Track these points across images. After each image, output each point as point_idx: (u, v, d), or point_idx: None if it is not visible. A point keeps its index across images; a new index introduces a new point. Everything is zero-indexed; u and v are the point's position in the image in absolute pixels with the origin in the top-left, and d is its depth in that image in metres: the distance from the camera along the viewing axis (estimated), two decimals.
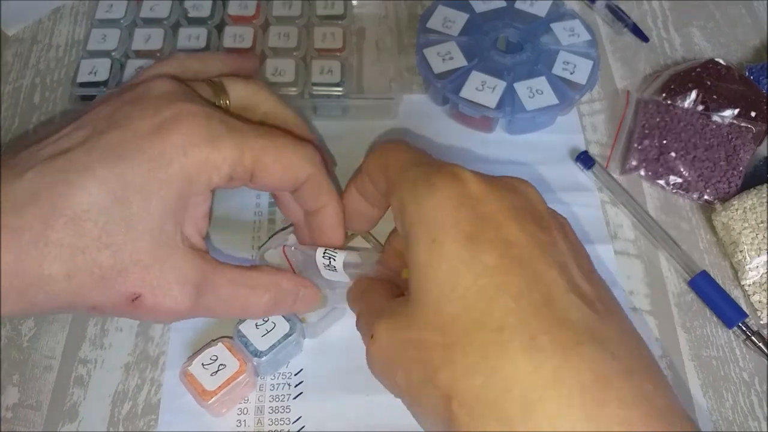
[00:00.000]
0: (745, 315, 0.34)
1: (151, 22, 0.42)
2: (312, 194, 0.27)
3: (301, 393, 0.31)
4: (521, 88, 0.39)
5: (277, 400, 0.31)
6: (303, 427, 0.30)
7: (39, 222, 0.21)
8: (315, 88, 0.39)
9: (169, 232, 0.23)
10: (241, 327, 0.30)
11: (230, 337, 0.30)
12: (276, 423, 0.31)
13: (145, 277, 0.23)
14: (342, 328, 0.32)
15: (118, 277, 0.22)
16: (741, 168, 0.38)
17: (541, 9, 0.43)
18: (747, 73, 0.43)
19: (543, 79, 0.40)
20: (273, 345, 0.30)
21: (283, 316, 0.30)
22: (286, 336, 0.30)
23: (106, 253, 0.22)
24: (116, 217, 0.22)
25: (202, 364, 0.29)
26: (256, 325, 0.30)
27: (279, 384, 0.32)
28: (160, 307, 0.23)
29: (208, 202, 0.25)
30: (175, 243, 0.23)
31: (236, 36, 0.41)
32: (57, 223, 0.21)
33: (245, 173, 0.25)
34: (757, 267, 0.35)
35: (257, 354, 0.29)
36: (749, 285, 0.35)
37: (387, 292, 0.26)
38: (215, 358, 0.29)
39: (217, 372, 0.29)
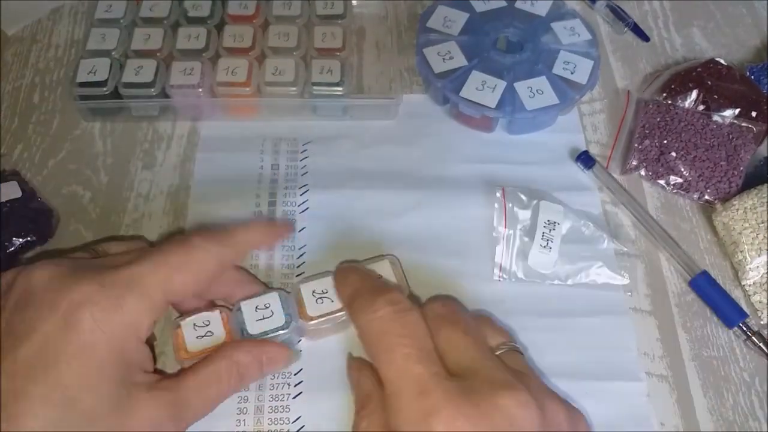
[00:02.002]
0: (746, 315, 0.34)
1: (150, 21, 0.42)
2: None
3: (300, 393, 0.31)
4: (521, 87, 0.39)
5: (276, 399, 0.31)
6: (302, 426, 0.30)
7: None
8: (315, 87, 0.39)
9: (124, 401, 0.24)
10: (242, 304, 0.30)
11: (230, 309, 0.30)
12: (275, 423, 0.31)
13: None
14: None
15: None
16: (741, 168, 0.38)
17: (541, 8, 0.43)
18: (748, 73, 0.43)
19: (543, 78, 0.40)
20: (264, 332, 0.30)
21: (282, 309, 0.30)
22: (278, 329, 0.30)
23: None
24: (73, 420, 0.22)
25: (194, 324, 0.29)
26: (256, 308, 0.30)
27: (278, 384, 0.32)
28: None
29: (143, 345, 0.26)
30: (135, 403, 0.24)
31: (236, 35, 0.41)
32: None
33: (165, 307, 0.27)
34: (758, 267, 0.35)
35: (245, 335, 0.29)
36: (750, 285, 0.35)
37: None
38: (207, 323, 0.29)
39: (203, 337, 0.29)
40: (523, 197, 0.37)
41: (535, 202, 0.36)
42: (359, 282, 0.29)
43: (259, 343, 0.29)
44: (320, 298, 0.30)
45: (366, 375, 0.27)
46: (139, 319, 0.25)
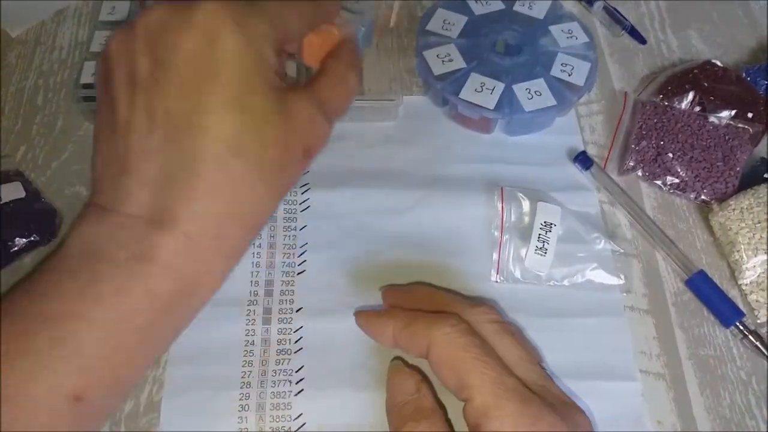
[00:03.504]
0: (742, 314, 0.34)
1: None
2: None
3: (302, 390, 0.32)
4: (520, 89, 0.39)
5: (278, 396, 0.31)
6: (304, 424, 0.31)
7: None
8: None
9: (282, 101, 0.23)
10: None
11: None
12: (277, 420, 0.31)
13: (300, 132, 0.24)
14: (342, 327, 0.33)
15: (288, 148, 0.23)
16: (738, 168, 0.38)
17: (539, 11, 0.44)
18: (744, 75, 0.43)
19: (541, 80, 0.40)
20: None
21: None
22: None
23: (271, 152, 0.23)
24: (254, 123, 0.22)
25: None
26: None
27: (280, 381, 0.32)
28: (321, 141, 0.25)
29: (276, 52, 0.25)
30: (290, 102, 0.24)
31: None
32: None
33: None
34: (754, 266, 0.35)
35: None
36: (746, 284, 0.35)
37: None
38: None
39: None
40: (522, 197, 0.37)
41: (532, 203, 0.37)
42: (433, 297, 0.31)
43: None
44: None
45: (425, 388, 0.29)
46: (268, 29, 0.24)
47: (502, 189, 0.37)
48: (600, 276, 0.36)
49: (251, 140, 0.22)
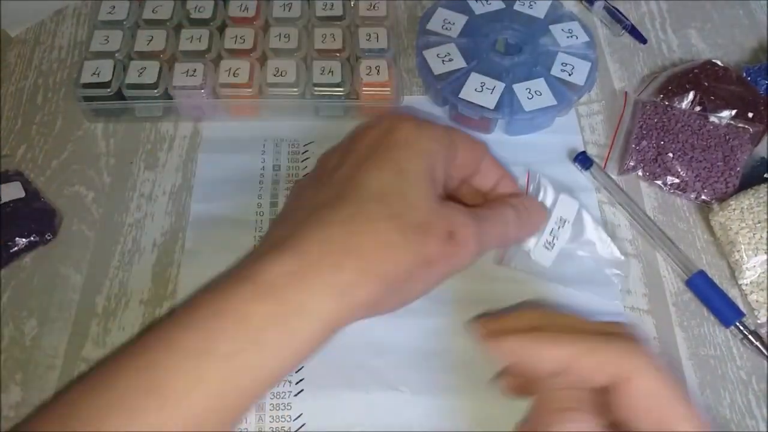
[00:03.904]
0: (743, 314, 0.34)
1: (153, 23, 0.42)
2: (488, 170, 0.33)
3: (302, 390, 0.32)
4: (520, 89, 0.39)
5: (278, 397, 0.31)
6: (304, 424, 0.31)
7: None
8: (316, 88, 0.39)
9: (438, 197, 0.27)
10: None
11: None
12: (277, 420, 0.31)
13: (449, 221, 0.27)
14: None
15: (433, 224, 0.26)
16: (738, 168, 0.38)
17: (539, 11, 0.44)
18: (744, 75, 0.43)
19: (542, 80, 0.40)
20: None
21: None
22: None
23: (415, 214, 0.26)
24: (404, 184, 0.26)
25: None
26: None
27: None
28: (468, 239, 0.27)
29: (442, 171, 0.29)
30: (447, 206, 0.28)
31: (237, 37, 0.41)
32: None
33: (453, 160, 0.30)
34: (755, 266, 0.35)
35: None
36: (746, 284, 0.35)
37: None
38: None
39: None
40: (545, 185, 0.36)
41: (555, 194, 0.36)
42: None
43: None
44: None
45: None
46: (439, 152, 0.28)
47: (528, 172, 0.37)
48: (600, 281, 0.35)
49: (400, 201, 0.26)
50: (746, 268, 0.35)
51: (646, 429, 0.23)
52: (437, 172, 0.28)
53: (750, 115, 0.40)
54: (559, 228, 0.35)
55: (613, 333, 0.26)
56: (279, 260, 0.24)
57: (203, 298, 0.23)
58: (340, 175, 0.27)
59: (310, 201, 0.27)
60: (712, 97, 0.40)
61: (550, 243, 0.34)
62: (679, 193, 0.39)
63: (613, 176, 0.39)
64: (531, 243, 0.35)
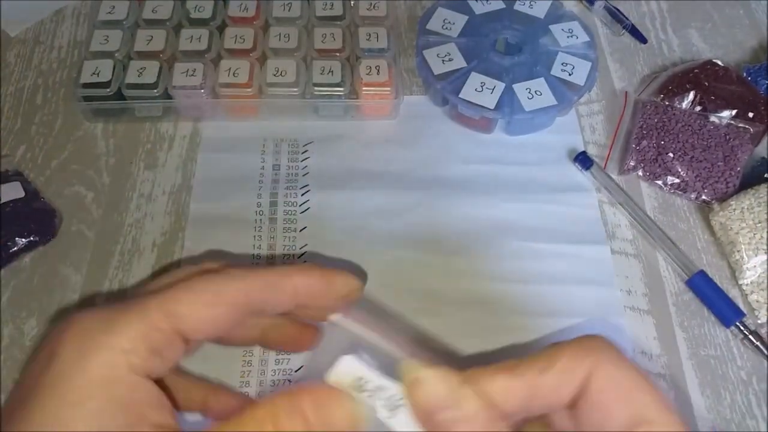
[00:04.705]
0: (743, 314, 0.34)
1: (153, 23, 0.42)
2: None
3: None
4: (520, 89, 0.39)
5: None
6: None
7: None
8: (316, 88, 0.39)
9: None
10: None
11: None
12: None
13: None
14: None
15: None
16: (738, 168, 0.38)
17: (540, 10, 0.44)
18: (745, 74, 0.43)
19: (542, 80, 0.40)
20: None
21: None
22: None
23: None
24: None
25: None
26: None
27: (280, 380, 0.32)
28: None
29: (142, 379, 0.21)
30: None
31: (237, 37, 0.41)
32: None
33: (170, 337, 0.22)
34: (755, 266, 0.35)
35: None
36: (747, 284, 0.35)
37: None
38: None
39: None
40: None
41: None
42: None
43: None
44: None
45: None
46: (132, 344, 0.21)
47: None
48: (601, 275, 0.35)
49: None
50: (746, 268, 0.35)
51: (616, 424, 0.20)
52: (124, 390, 0.20)
53: (750, 115, 0.40)
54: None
55: (559, 345, 0.21)
56: None
57: None
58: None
59: None
60: (713, 97, 0.40)
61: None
62: (680, 193, 0.39)
63: (613, 176, 0.39)
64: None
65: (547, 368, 0.20)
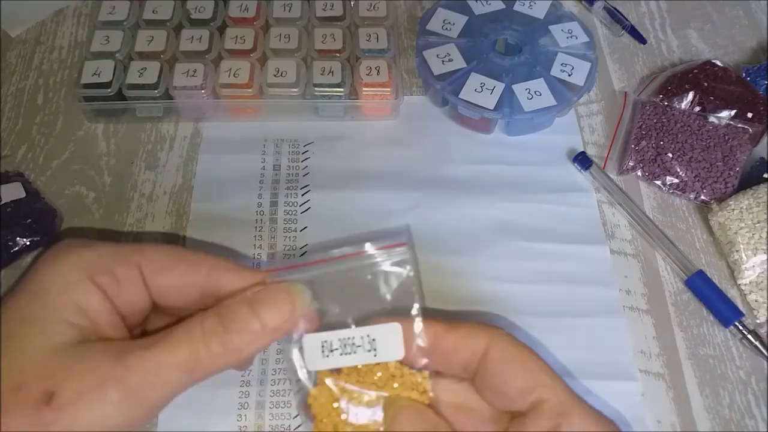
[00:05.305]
0: (742, 314, 0.34)
1: (153, 23, 0.42)
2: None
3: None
4: (520, 89, 0.39)
5: (278, 395, 0.32)
6: (303, 422, 0.31)
7: None
8: (316, 89, 0.39)
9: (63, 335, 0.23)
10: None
11: None
12: (277, 418, 0.31)
13: (52, 376, 0.22)
14: None
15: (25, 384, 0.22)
16: (737, 168, 0.38)
17: (539, 11, 0.44)
18: (744, 75, 0.43)
19: (541, 80, 0.40)
20: None
21: None
22: None
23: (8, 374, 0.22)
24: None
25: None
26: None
27: (280, 379, 0.32)
28: (76, 398, 0.21)
29: (106, 301, 0.24)
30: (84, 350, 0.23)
31: (237, 37, 0.41)
32: None
33: (133, 272, 0.25)
34: (754, 266, 0.35)
35: None
36: (745, 284, 0.35)
37: None
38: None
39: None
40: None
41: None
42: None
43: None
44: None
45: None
46: (98, 258, 0.25)
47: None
48: (600, 275, 0.35)
49: None
50: (745, 268, 0.35)
51: (515, 388, 0.24)
52: (74, 308, 0.23)
53: (749, 115, 0.40)
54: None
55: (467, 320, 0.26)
56: None
57: None
58: None
59: None
60: (712, 98, 0.40)
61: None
62: (679, 193, 0.39)
63: (612, 176, 0.39)
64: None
65: (451, 330, 0.25)
